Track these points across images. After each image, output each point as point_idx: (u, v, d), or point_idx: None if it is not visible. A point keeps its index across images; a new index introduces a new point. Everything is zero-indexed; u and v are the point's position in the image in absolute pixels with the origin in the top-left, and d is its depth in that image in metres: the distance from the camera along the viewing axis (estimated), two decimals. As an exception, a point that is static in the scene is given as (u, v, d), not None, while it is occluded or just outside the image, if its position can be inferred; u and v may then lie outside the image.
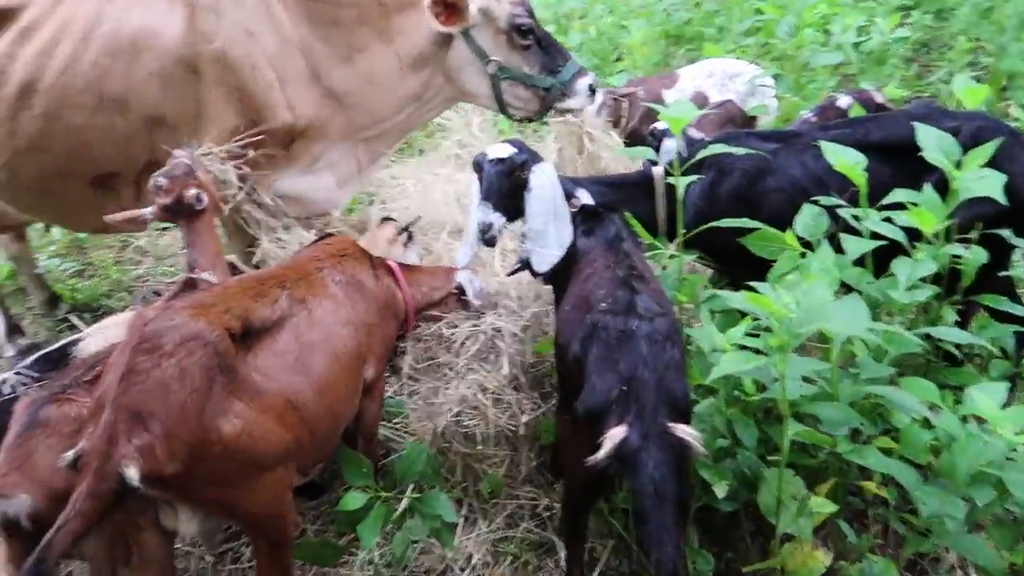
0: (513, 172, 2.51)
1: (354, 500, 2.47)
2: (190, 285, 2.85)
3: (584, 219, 2.67)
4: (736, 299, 2.64)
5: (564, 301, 2.50)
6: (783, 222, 2.68)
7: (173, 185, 2.67)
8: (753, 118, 4.46)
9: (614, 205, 2.97)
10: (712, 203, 3.01)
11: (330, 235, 2.82)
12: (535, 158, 2.57)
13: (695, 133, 3.67)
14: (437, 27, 3.28)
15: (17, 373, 2.86)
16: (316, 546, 2.62)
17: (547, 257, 2.53)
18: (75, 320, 3.61)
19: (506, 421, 2.83)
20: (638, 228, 2.83)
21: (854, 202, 2.59)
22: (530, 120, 3.70)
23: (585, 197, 2.81)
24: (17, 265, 4.39)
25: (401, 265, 2.99)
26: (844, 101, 4.07)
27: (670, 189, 3.00)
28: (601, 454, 1.85)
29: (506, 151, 2.54)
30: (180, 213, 2.70)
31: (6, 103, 3.20)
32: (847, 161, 2.57)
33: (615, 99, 4.33)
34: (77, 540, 1.72)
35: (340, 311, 2.41)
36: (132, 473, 1.75)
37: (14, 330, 4.14)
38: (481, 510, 2.86)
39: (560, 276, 2.63)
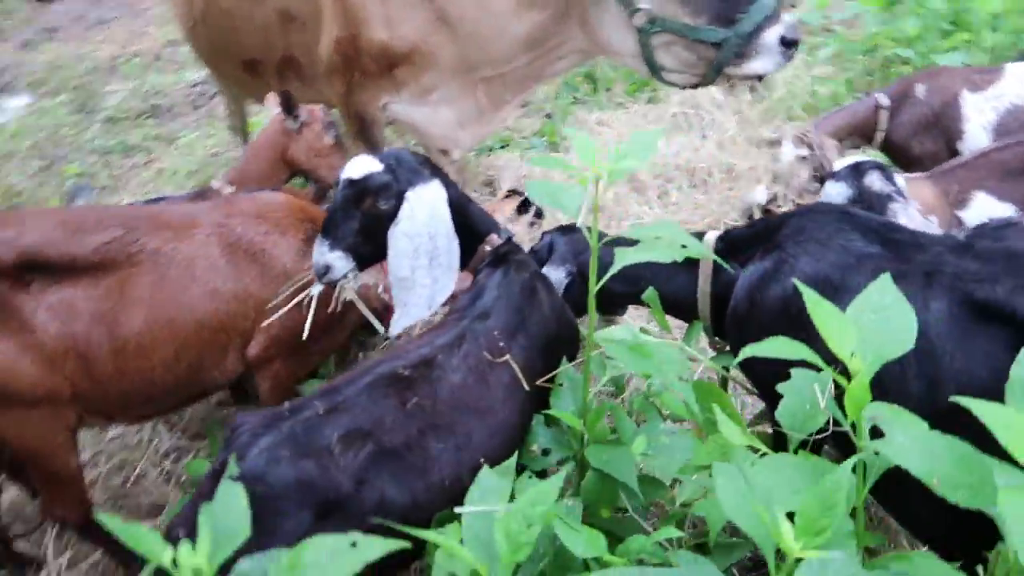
0: (364, 199, 1.83)
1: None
2: (200, 195, 2.84)
3: (493, 261, 1.91)
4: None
5: None
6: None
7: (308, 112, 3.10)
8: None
9: (639, 280, 2.05)
10: (753, 307, 1.89)
11: (283, 193, 2.48)
12: (416, 177, 1.83)
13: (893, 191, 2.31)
14: None
15: None
16: None
17: (406, 316, 1.87)
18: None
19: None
20: (659, 316, 1.97)
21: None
22: (695, 86, 2.71)
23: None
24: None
25: None
26: None
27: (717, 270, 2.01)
28: None
29: (363, 168, 1.82)
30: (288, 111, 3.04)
31: (188, -25, 3.43)
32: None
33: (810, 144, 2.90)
34: None
35: (209, 276, 2.15)
36: None
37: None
38: None
39: None
